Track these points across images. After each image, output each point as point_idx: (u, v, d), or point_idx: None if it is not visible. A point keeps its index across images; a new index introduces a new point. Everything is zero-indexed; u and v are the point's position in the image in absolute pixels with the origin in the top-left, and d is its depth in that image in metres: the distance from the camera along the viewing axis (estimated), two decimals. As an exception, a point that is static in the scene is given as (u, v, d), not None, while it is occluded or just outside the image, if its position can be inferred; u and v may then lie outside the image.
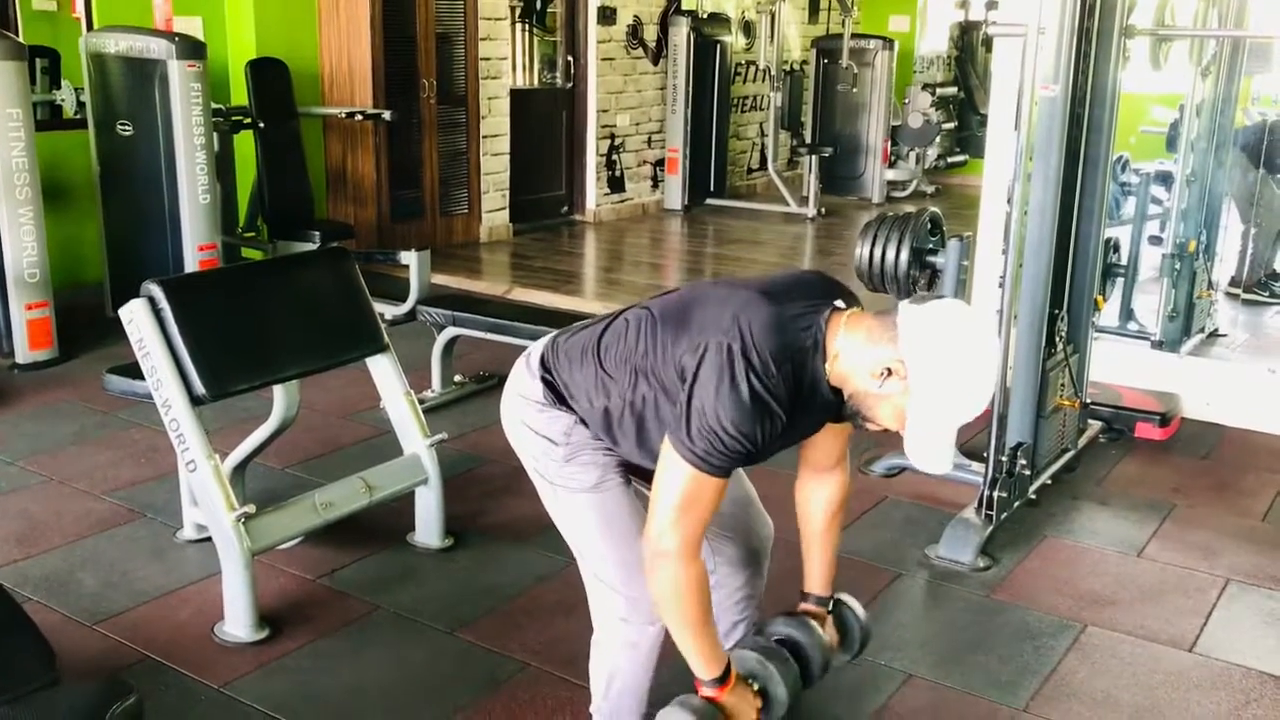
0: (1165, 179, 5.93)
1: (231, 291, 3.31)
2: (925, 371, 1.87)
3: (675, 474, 1.93)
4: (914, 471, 4.00)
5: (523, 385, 2.21)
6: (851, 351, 1.93)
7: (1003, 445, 3.68)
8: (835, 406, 2.01)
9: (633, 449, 2.11)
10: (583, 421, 2.14)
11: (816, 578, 2.33)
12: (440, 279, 6.64)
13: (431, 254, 5.90)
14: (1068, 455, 4.15)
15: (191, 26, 6.55)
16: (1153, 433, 4.56)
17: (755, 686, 2.10)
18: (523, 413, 2.21)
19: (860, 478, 4.08)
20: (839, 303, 1.99)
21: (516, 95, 8.49)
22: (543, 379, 2.17)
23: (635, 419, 2.06)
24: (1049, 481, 3.98)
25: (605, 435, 2.12)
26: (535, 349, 2.23)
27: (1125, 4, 3.87)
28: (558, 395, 2.15)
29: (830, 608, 2.35)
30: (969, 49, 12.01)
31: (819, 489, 2.30)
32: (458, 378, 5.03)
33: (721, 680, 2.02)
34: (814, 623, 2.26)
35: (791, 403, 1.91)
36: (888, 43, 10.35)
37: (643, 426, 2.06)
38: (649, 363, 2.02)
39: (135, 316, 2.99)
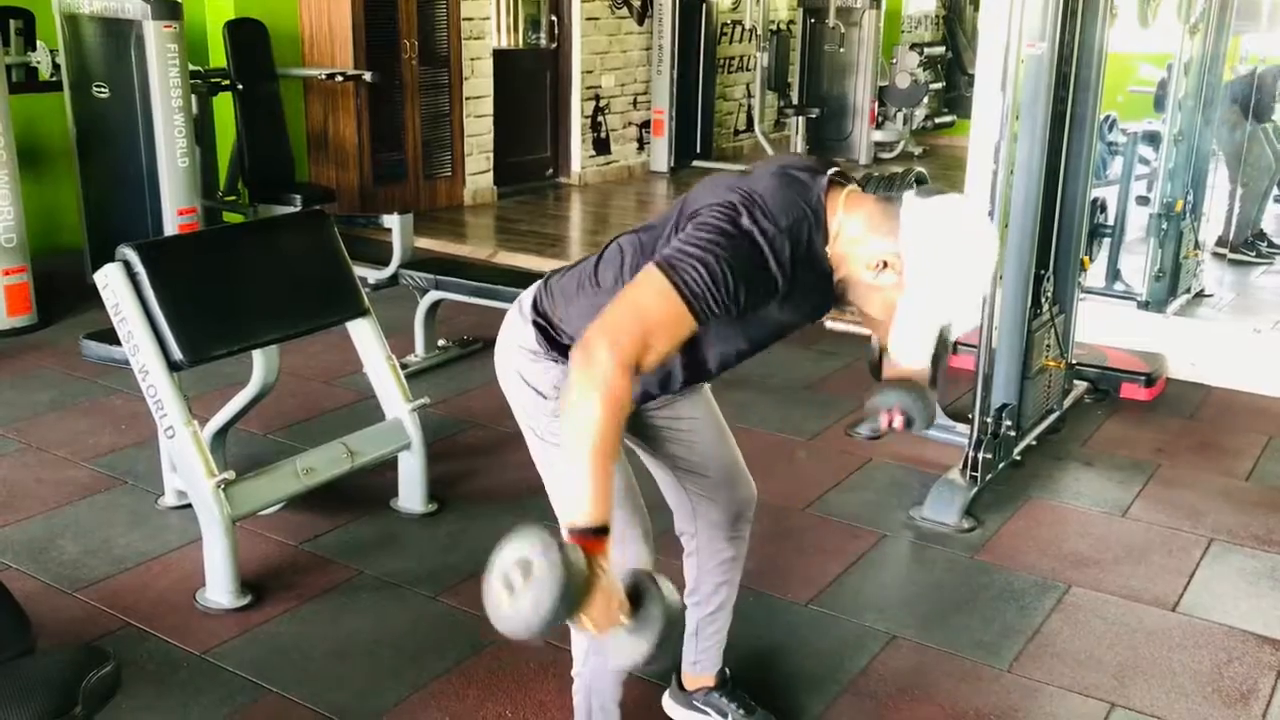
0: (1152, 138, 5.89)
1: (208, 255, 3.27)
2: (923, 270, 1.80)
3: (645, 285, 1.74)
4: (898, 433, 3.99)
5: (515, 333, 2.15)
6: (850, 234, 1.84)
7: (988, 406, 3.67)
8: (829, 287, 1.91)
9: None
10: None
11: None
12: (424, 243, 6.58)
13: (415, 218, 5.84)
14: (1053, 416, 4.15)
15: (167, -14, 6.43)
16: (1138, 393, 4.57)
17: (630, 587, 1.68)
18: (516, 362, 2.14)
19: (845, 440, 4.07)
20: (834, 171, 1.90)
21: (500, 56, 8.39)
22: (535, 323, 2.09)
23: None
24: (1034, 442, 3.98)
25: None
26: (527, 294, 2.16)
27: (1112, -41, 3.83)
28: (551, 340, 2.07)
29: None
30: (957, 8, 11.92)
31: None
32: (441, 342, 5.00)
33: (598, 532, 1.63)
34: (913, 384, 2.17)
35: (791, 270, 1.81)
36: (875, 2, 10.24)
37: None
38: (645, 259, 1.89)
39: (110, 281, 2.95)
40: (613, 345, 1.66)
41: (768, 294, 1.81)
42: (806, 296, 1.91)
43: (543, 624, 1.53)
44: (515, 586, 1.54)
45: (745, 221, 1.78)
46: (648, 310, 1.72)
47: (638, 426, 2.25)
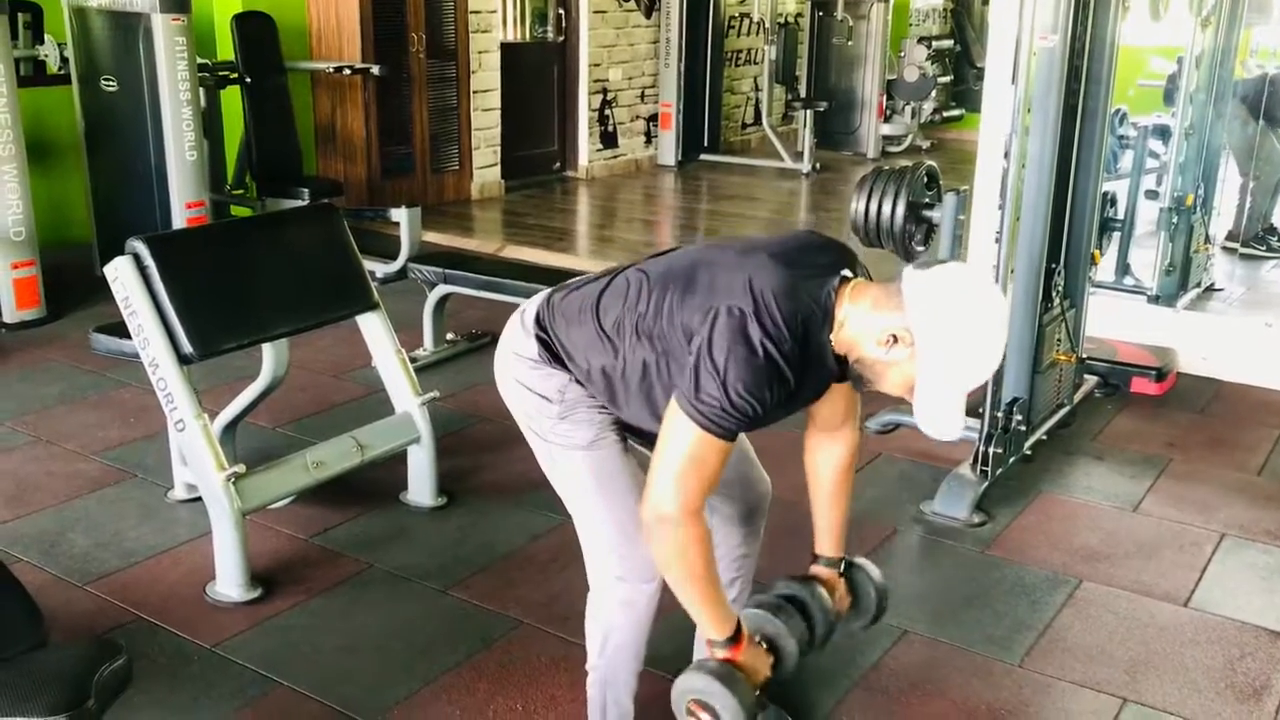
0: (1163, 132, 5.87)
1: (218, 249, 3.27)
2: (932, 337, 1.83)
3: (681, 435, 1.88)
4: (910, 428, 3.99)
5: (517, 343, 2.18)
6: (856, 319, 1.89)
7: (998, 401, 3.66)
8: (838, 373, 1.98)
9: (630, 409, 2.08)
10: (578, 381, 2.11)
11: (826, 539, 2.30)
12: (431, 237, 6.57)
13: (422, 211, 5.83)
14: (1064, 410, 4.13)
15: (176, -21, 6.43)
16: (1149, 387, 4.55)
17: (764, 645, 2.07)
18: (516, 370, 2.17)
19: (855, 434, 4.05)
20: (846, 271, 1.95)
21: (507, 49, 8.38)
22: (537, 337, 2.13)
23: (635, 380, 2.03)
24: (1045, 437, 3.97)
25: (602, 395, 2.09)
26: (530, 306, 2.19)
27: (1125, -48, 3.81)
28: (553, 354, 2.11)
29: (842, 570, 2.31)
30: (965, 1, 11.88)
31: (828, 448, 2.27)
32: (450, 336, 4.99)
33: (734, 640, 1.99)
34: (819, 586, 2.22)
35: (800, 367, 1.88)
36: (883, -5, 10.22)
37: (642, 387, 2.03)
38: (651, 325, 1.98)
39: (120, 275, 2.95)
40: (677, 500, 1.89)
41: (784, 395, 1.90)
42: (813, 382, 1.99)
43: None
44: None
45: (755, 335, 1.84)
46: (692, 456, 1.89)
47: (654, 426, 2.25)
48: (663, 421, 1.93)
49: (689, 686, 1.97)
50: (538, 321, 2.14)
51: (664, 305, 1.97)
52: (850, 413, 2.25)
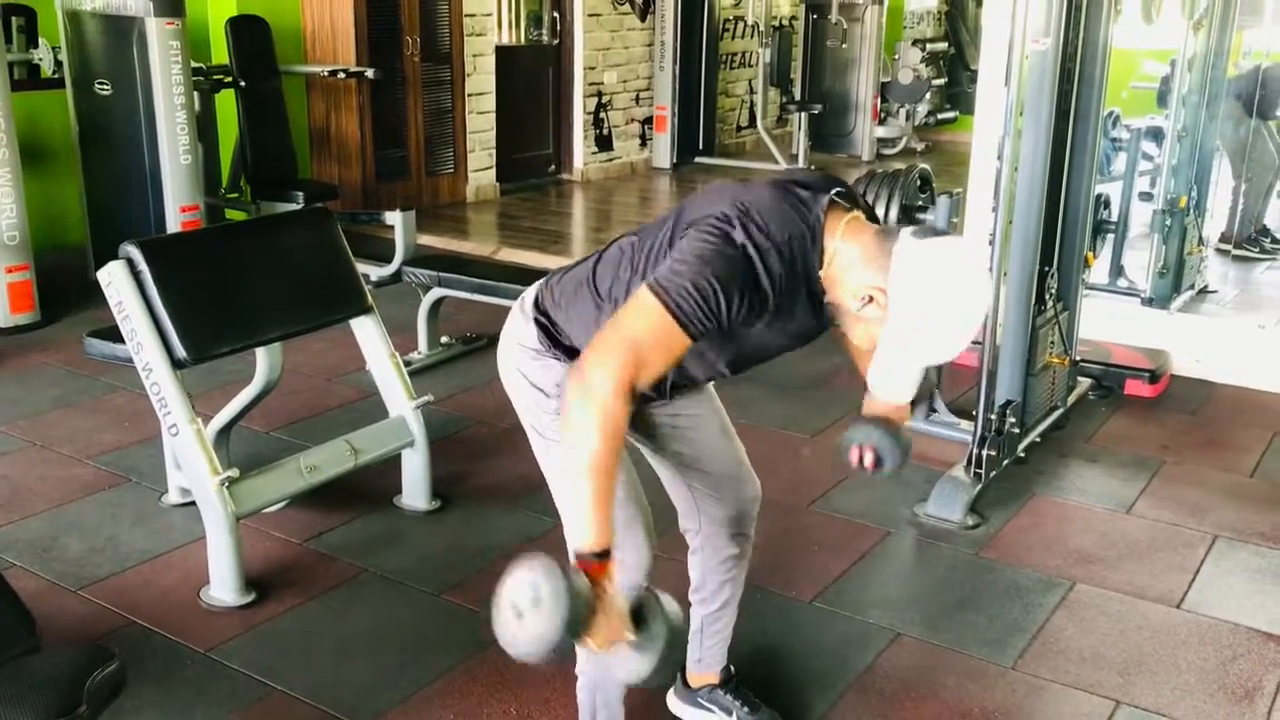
0: (1156, 134, 5.88)
1: (211, 253, 3.27)
2: (906, 308, 1.80)
3: (637, 308, 1.76)
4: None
5: (517, 331, 2.15)
6: (843, 261, 1.84)
7: (992, 403, 3.67)
8: (820, 309, 1.91)
9: None
10: None
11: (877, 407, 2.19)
12: (426, 240, 6.57)
13: (417, 214, 5.83)
14: (1057, 413, 4.14)
15: (169, -17, 6.43)
16: (1142, 389, 4.56)
17: (632, 613, 1.75)
18: (518, 360, 2.15)
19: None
20: (836, 193, 1.89)
21: (502, 52, 8.38)
22: (536, 320, 2.10)
23: None
24: (1038, 439, 3.97)
25: None
26: (529, 292, 2.17)
27: (1117, -45, 3.82)
28: (553, 339, 2.08)
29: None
30: (959, 4, 11.89)
31: None
32: (444, 339, 4.99)
33: (601, 556, 1.71)
34: (890, 424, 2.14)
35: (784, 285, 1.81)
36: (877, -3, 10.23)
37: None
38: (644, 269, 1.92)
39: (114, 279, 2.95)
40: (608, 370, 1.71)
41: (759, 308, 1.81)
42: (795, 316, 1.90)
43: (549, 649, 1.62)
44: (524, 613, 1.63)
45: (738, 235, 1.78)
46: (640, 332, 1.75)
47: (641, 424, 2.24)
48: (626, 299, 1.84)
49: (521, 568, 1.66)
50: (537, 305, 2.12)
51: (654, 250, 1.92)
52: None
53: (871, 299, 1.81)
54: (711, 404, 2.33)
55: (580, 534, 1.73)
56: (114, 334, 3.16)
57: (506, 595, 1.66)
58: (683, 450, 2.29)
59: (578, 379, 1.73)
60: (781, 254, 1.80)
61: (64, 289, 5.50)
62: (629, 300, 1.81)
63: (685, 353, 1.80)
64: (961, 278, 1.81)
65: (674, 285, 1.75)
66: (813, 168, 9.45)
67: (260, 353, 3.27)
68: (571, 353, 2.06)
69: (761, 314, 1.83)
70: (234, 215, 6.62)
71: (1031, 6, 3.47)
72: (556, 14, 8.90)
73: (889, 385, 1.91)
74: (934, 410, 3.99)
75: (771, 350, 2.02)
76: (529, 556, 1.66)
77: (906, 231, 1.83)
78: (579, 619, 1.61)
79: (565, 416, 1.76)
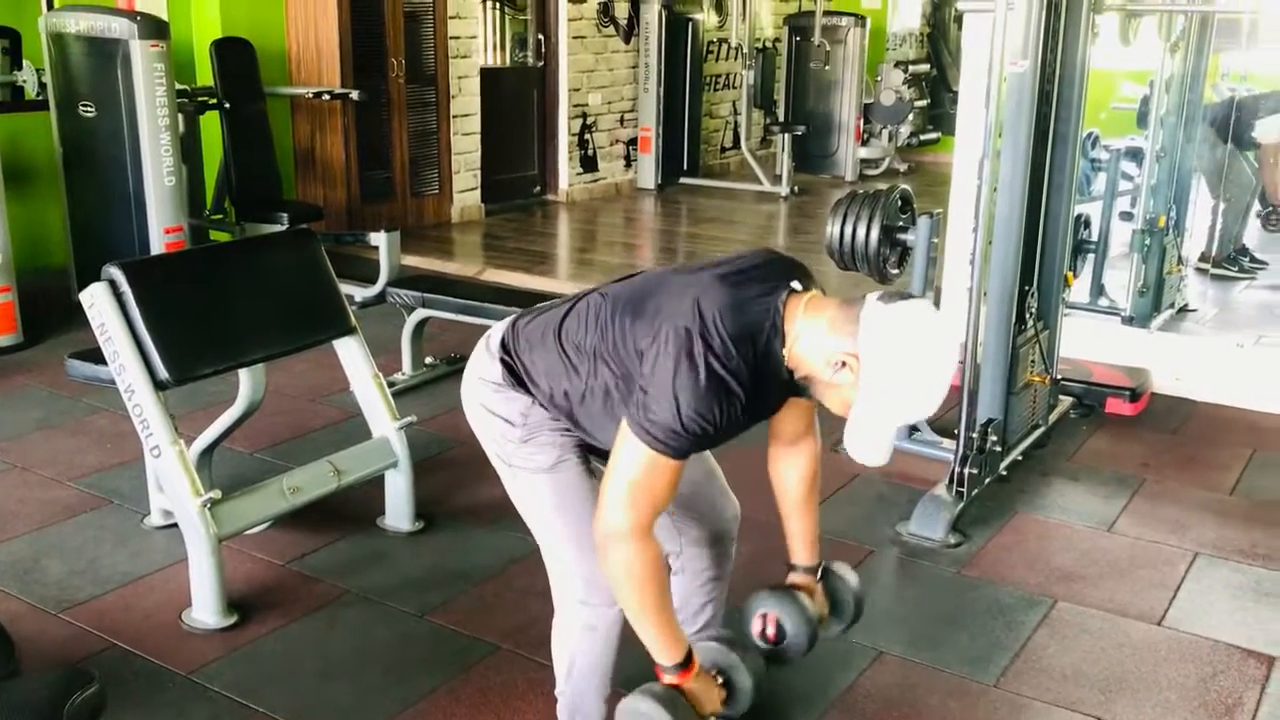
0: (1135, 155, 5.93)
1: (194, 274, 3.27)
2: (877, 373, 1.86)
3: (631, 455, 1.91)
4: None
5: (481, 367, 2.20)
6: (810, 337, 1.92)
7: (973, 422, 3.69)
8: (791, 388, 2.00)
9: (594, 431, 2.10)
10: (540, 404, 2.12)
11: (800, 547, 2.33)
12: (411, 260, 6.59)
13: (402, 235, 5.85)
14: (1039, 431, 4.16)
15: (154, 5, 6.47)
16: (1123, 408, 4.59)
17: (720, 678, 2.09)
18: (480, 395, 2.19)
19: (831, 457, 4.06)
20: (795, 284, 1.97)
21: (487, 74, 8.42)
22: (502, 360, 2.15)
23: (598, 402, 2.05)
24: (1020, 457, 3.99)
25: (566, 418, 2.11)
26: (495, 331, 2.22)
27: (1094, -20, 3.87)
28: (516, 378, 2.14)
29: (820, 576, 2.33)
30: (941, 26, 12.00)
31: (791, 460, 2.30)
32: (429, 359, 5.00)
33: (683, 666, 2.00)
34: (801, 595, 2.25)
35: (751, 384, 1.90)
36: (860, 20, 10.31)
37: (605, 409, 2.05)
38: (609, 348, 2.01)
39: (96, 300, 2.95)
40: (624, 521, 1.90)
41: (734, 414, 1.91)
42: (769, 401, 2.02)
43: None
44: None
45: (700, 356, 1.85)
46: (639, 475, 1.90)
47: None
48: (615, 442, 1.94)
49: (632, 709, 1.99)
50: (503, 345, 2.17)
51: (618, 328, 1.99)
52: (810, 424, 2.28)
53: (845, 364, 1.88)
54: None
55: (660, 655, 1.99)
56: (96, 355, 3.16)
57: None
58: None
59: (602, 536, 1.93)
60: (745, 357, 1.88)
61: (46, 310, 5.49)
62: (618, 442, 1.93)
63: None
64: (930, 338, 1.87)
65: (655, 427, 1.87)
66: (796, 189, 9.51)
67: (243, 374, 3.27)
68: (534, 390, 2.12)
69: (740, 412, 1.92)
70: (218, 236, 6.63)
71: (1010, 28, 3.51)
72: (541, 36, 8.95)
73: (865, 448, 1.95)
74: (916, 429, 4.01)
75: (754, 423, 2.08)
76: (639, 694, 2.00)
77: (872, 297, 1.91)
78: None
79: (604, 565, 1.96)
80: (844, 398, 1.92)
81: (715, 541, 2.38)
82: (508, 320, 2.22)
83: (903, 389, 1.87)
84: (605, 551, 1.94)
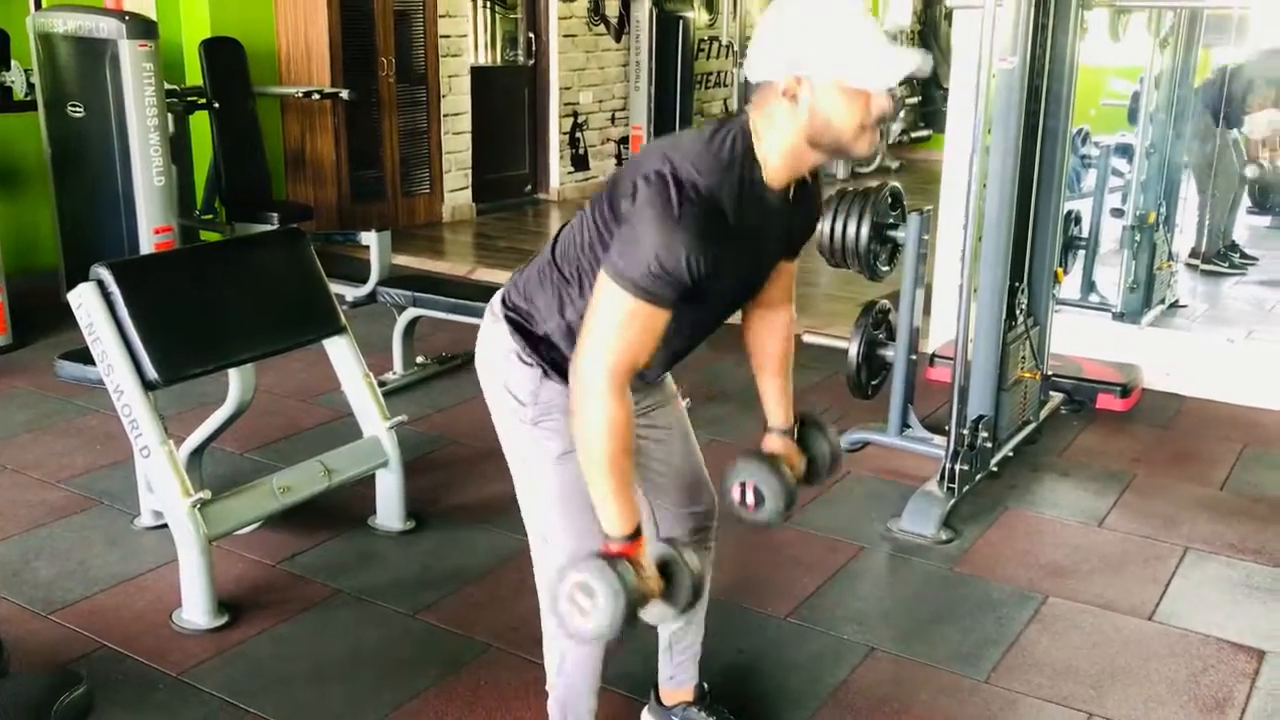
0: (1126, 151, 5.94)
1: (183, 274, 3.26)
2: (824, 66, 1.79)
3: (609, 301, 1.82)
4: (878, 446, 4.02)
5: (489, 335, 2.14)
6: (762, 121, 1.86)
7: (964, 418, 3.69)
8: (787, 213, 1.96)
9: None
10: (550, 375, 2.06)
11: (776, 410, 2.29)
12: (402, 260, 6.58)
13: (393, 235, 5.82)
14: (1029, 427, 4.16)
15: (143, 5, 6.46)
16: (1114, 404, 4.60)
17: (660, 570, 1.95)
18: (492, 366, 2.13)
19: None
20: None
21: (477, 73, 8.41)
22: (507, 318, 2.09)
23: None
24: (1010, 453, 4.00)
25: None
26: (495, 297, 2.16)
27: (1082, -24, 3.87)
28: (525, 333, 2.07)
29: (795, 435, 2.30)
30: (932, 23, 12.01)
31: (768, 321, 2.27)
32: (420, 359, 4.99)
33: (632, 538, 1.89)
34: (779, 460, 2.20)
35: (737, 200, 1.84)
36: (850, 17, 10.29)
37: None
38: (599, 236, 1.93)
39: (84, 301, 2.94)
40: (600, 366, 1.82)
41: (717, 256, 1.81)
42: (757, 235, 1.93)
43: (615, 633, 1.85)
44: (586, 610, 1.84)
45: (673, 195, 1.78)
46: (618, 321, 1.81)
47: None
48: (593, 290, 1.87)
49: (576, 570, 1.88)
50: (504, 302, 2.11)
51: (603, 211, 1.92)
52: (788, 291, 2.26)
53: (793, 95, 1.80)
54: (680, 418, 2.34)
55: (611, 523, 1.88)
56: (85, 356, 3.15)
57: (565, 592, 1.85)
58: (645, 463, 2.27)
59: (576, 383, 1.85)
60: (722, 186, 1.82)
61: (36, 311, 5.47)
62: (596, 291, 1.85)
63: (669, 323, 1.84)
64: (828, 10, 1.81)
65: (631, 267, 1.79)
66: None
67: (233, 374, 3.25)
68: (545, 347, 2.06)
69: (729, 238, 1.84)
70: (209, 236, 6.61)
71: (999, 26, 3.51)
72: (532, 35, 8.94)
73: (877, 65, 1.81)
74: (907, 425, 4.01)
75: (746, 274, 2.01)
76: (581, 559, 1.87)
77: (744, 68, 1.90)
78: (632, 606, 1.84)
79: (573, 419, 1.87)
80: (819, 111, 1.81)
81: (691, 533, 2.33)
82: (504, 285, 2.19)
83: (849, 53, 1.79)
84: (583, 402, 1.84)
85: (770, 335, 2.28)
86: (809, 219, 2.12)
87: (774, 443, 2.28)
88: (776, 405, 2.30)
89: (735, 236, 1.85)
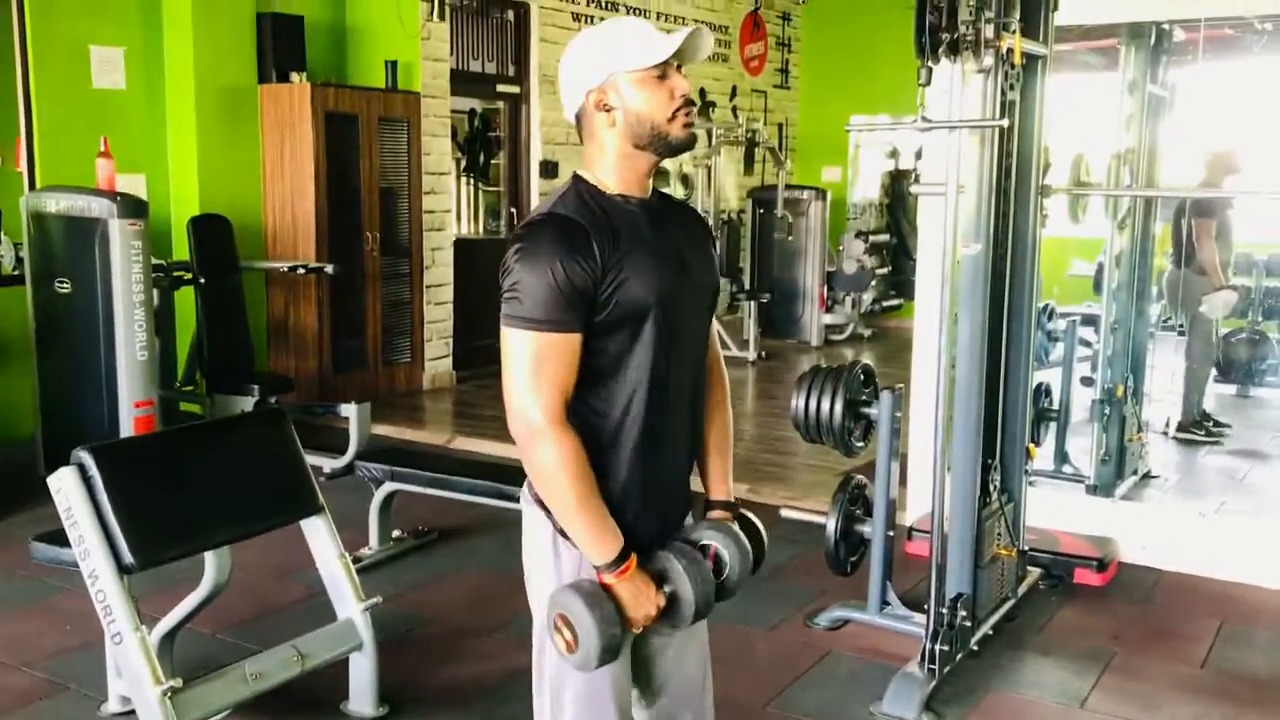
0: (1093, 320, 6.09)
1: (164, 458, 3.28)
2: (595, 65, 1.98)
3: (517, 347, 1.93)
4: (858, 624, 3.99)
5: (530, 525, 2.10)
6: (596, 157, 2.02)
7: (943, 596, 3.68)
8: (666, 222, 2.06)
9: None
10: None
11: (719, 483, 2.25)
12: (381, 429, 6.60)
13: (374, 403, 5.89)
14: (1008, 604, 4.15)
15: (135, 184, 6.62)
16: (1091, 578, 4.60)
17: (667, 590, 2.01)
18: (530, 561, 2.11)
19: (804, 631, 4.06)
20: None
21: (460, 244, 8.62)
22: (536, 499, 2.05)
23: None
24: (991, 631, 3.98)
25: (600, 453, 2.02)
26: (525, 484, 2.13)
27: (1040, 165, 4.06)
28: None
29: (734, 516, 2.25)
30: (900, 196, 12.40)
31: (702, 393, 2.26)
32: (396, 533, 4.96)
33: (618, 563, 1.94)
34: (734, 528, 2.16)
35: (606, 228, 1.94)
36: (820, 193, 10.68)
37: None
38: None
39: (64, 485, 2.95)
40: (537, 409, 1.91)
41: (590, 262, 1.91)
42: (642, 240, 1.99)
43: (600, 664, 1.93)
44: (571, 641, 1.92)
45: (529, 240, 1.94)
46: (528, 359, 1.92)
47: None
48: (502, 350, 1.97)
49: (558, 600, 1.95)
50: (529, 487, 2.09)
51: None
52: (715, 354, 2.33)
53: (606, 106, 1.98)
54: (700, 640, 2.30)
55: (595, 553, 1.94)
56: (60, 537, 3.13)
57: (553, 624, 1.94)
58: (653, 677, 2.22)
59: (518, 434, 1.93)
60: (572, 211, 1.96)
61: (11, 483, 5.43)
62: (503, 347, 1.96)
63: (579, 351, 1.93)
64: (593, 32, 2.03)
65: (520, 306, 1.91)
66: (763, 354, 9.67)
67: (209, 556, 3.24)
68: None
69: (617, 254, 1.93)
70: (189, 408, 6.63)
71: (961, 213, 3.65)
72: (514, 209, 9.20)
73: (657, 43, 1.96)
74: (887, 603, 4.00)
75: (669, 287, 2.02)
76: (569, 588, 1.94)
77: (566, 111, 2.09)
78: (614, 638, 1.91)
79: (529, 469, 1.96)
80: (635, 104, 1.96)
81: None
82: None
83: (622, 44, 1.97)
84: (529, 451, 1.92)
85: (708, 404, 2.28)
86: (699, 243, 2.15)
87: (718, 515, 2.23)
88: (719, 478, 2.27)
89: (621, 245, 1.94)
